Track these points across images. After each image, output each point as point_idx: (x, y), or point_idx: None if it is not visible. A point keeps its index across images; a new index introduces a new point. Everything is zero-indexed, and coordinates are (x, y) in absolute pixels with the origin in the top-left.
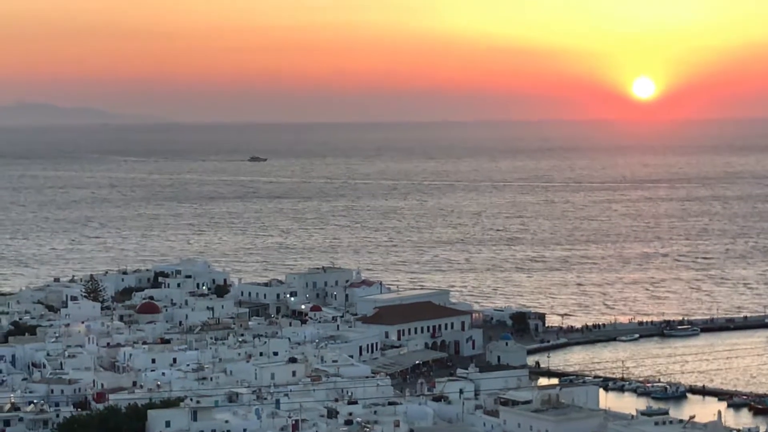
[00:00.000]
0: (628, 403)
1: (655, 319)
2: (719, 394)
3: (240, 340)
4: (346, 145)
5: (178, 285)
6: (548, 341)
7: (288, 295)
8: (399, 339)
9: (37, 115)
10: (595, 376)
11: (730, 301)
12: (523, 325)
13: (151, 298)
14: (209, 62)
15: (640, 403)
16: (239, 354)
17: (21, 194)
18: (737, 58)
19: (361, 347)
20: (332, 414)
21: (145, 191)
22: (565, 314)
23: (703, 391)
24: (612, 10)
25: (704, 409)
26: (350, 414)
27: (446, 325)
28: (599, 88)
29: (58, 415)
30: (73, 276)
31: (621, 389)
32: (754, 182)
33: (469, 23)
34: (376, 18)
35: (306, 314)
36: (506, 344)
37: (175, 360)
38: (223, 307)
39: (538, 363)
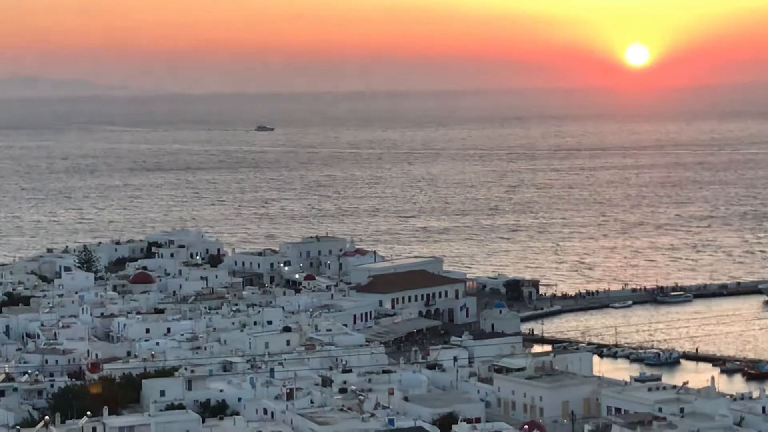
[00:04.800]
0: (621, 370)
1: (648, 285)
2: (712, 360)
3: (234, 309)
4: (350, 115)
5: (172, 255)
6: (542, 308)
7: (282, 265)
8: (393, 307)
9: (30, 88)
10: (589, 343)
11: (718, 268)
12: (516, 293)
13: (145, 268)
14: (202, 33)
15: (634, 370)
16: (233, 323)
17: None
18: (733, 24)
19: (355, 316)
20: (326, 382)
21: (130, 162)
22: (553, 284)
23: (697, 357)
24: None
25: (697, 375)
26: (344, 382)
27: (440, 293)
28: (592, 56)
29: (52, 386)
30: (66, 247)
31: (614, 356)
32: (742, 149)
33: None
34: None
35: (300, 283)
36: (500, 312)
37: (169, 330)
38: (216, 276)
39: (531, 330)
